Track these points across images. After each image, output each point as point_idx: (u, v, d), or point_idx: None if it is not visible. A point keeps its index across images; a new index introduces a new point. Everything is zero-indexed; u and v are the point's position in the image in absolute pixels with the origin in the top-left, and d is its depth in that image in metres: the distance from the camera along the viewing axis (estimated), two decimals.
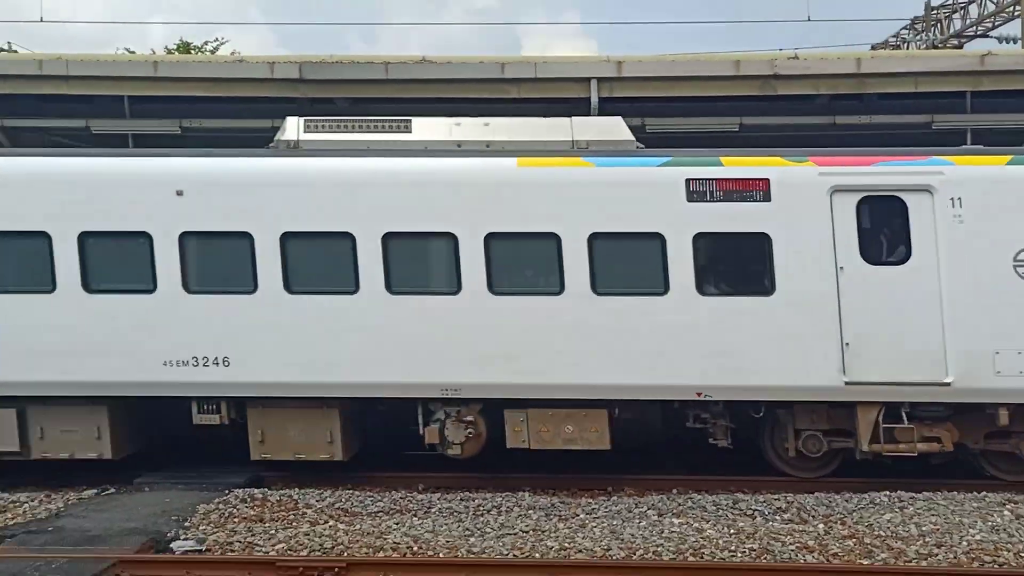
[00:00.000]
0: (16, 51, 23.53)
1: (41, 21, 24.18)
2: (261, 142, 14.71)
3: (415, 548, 8.90)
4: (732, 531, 9.17)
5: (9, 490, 11.05)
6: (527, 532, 9.36)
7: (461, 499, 10.50)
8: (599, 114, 14.41)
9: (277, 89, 15.06)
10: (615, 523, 9.56)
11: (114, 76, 15.10)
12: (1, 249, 11.07)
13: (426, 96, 14.94)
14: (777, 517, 9.69)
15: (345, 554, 8.72)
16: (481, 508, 10.16)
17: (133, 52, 27.03)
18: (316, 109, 15.26)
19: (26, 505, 10.34)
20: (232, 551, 8.86)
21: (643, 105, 14.92)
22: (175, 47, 30.33)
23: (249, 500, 10.35)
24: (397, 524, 9.58)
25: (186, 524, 9.54)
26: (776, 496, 10.39)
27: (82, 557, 8.44)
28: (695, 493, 10.70)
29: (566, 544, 8.92)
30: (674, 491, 10.87)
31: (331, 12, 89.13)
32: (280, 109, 15.26)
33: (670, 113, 15.01)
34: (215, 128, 15.30)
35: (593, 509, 10.08)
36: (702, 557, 8.54)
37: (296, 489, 10.91)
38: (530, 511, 10.04)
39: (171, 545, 9.04)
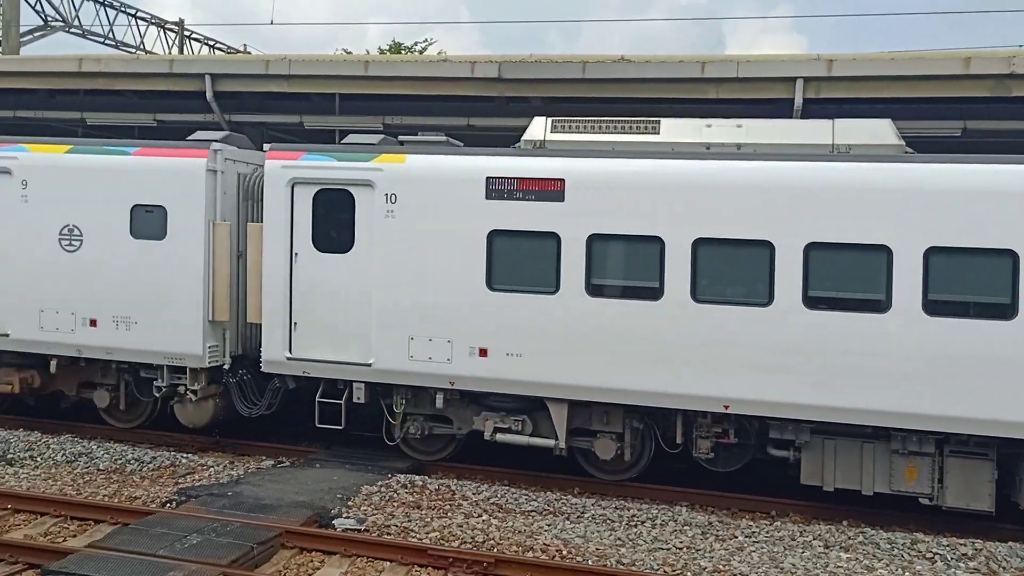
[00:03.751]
0: (249, 52, 25.52)
1: (271, 24, 25.97)
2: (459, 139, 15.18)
3: (564, 552, 8.78)
4: (907, 574, 8.33)
5: (199, 454, 12.01)
6: (681, 549, 8.99)
7: (616, 507, 10.24)
8: (802, 116, 13.58)
9: (476, 88, 15.32)
10: (776, 550, 8.97)
11: (329, 75, 15.93)
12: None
13: (623, 96, 14.70)
14: (961, 565, 8.71)
15: (495, 550, 8.74)
16: (635, 519, 9.86)
17: (349, 52, 28.58)
18: (511, 109, 15.48)
19: (212, 469, 11.17)
20: (388, 534, 9.14)
21: (853, 107, 13.91)
22: (387, 48, 31.84)
23: (409, 486, 10.62)
24: (549, 525, 9.49)
25: (349, 503, 9.92)
26: (962, 541, 9.37)
27: (254, 524, 8.99)
28: (868, 528, 9.86)
29: (720, 566, 8.48)
30: (844, 523, 10.09)
31: (535, 10, 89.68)
32: (476, 108, 15.68)
33: (881, 116, 13.90)
34: (415, 125, 15.84)
35: (753, 532, 9.52)
36: None
37: (454, 480, 11.08)
38: (686, 527, 9.63)
39: (333, 521, 9.44)
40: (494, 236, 10.96)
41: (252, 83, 16.21)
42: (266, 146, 12.07)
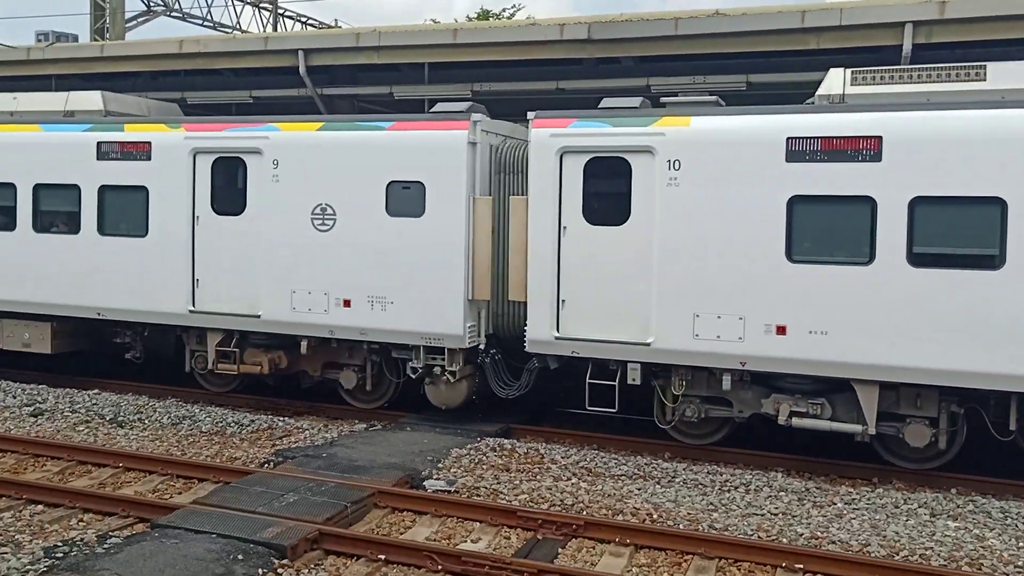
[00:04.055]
0: (340, 27, 25.83)
1: None
2: (545, 104, 14.96)
3: (655, 516, 8.66)
4: (1023, 544, 7.88)
5: (295, 417, 12.31)
6: (776, 515, 8.75)
7: (708, 472, 10.03)
8: (910, 63, 12.84)
9: (565, 50, 15.11)
10: (877, 517, 8.63)
11: (418, 45, 15.97)
12: None
13: (718, 51, 14.25)
14: None
15: (584, 513, 8.68)
16: (728, 484, 9.64)
17: (437, 22, 28.59)
18: (601, 71, 15.22)
19: (307, 432, 11.44)
20: (478, 496, 9.18)
21: (967, 51, 13.01)
22: (475, 16, 31.69)
23: (498, 449, 10.64)
24: (639, 489, 9.36)
25: (439, 465, 10.01)
26: None
27: (348, 484, 9.17)
28: (979, 496, 9.39)
29: (818, 533, 8.21)
30: (953, 491, 9.63)
31: None
32: (564, 71, 15.47)
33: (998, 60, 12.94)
34: (504, 91, 15.76)
35: (853, 499, 9.18)
36: (980, 568, 7.46)
37: (543, 443, 11.05)
38: (781, 493, 9.36)
39: (424, 483, 9.54)
40: (795, 202, 10.03)
41: (343, 56, 16.40)
42: (530, 114, 11.38)
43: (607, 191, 10.93)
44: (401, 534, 8.34)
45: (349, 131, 12.04)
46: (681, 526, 8.40)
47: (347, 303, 11.92)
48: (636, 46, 14.72)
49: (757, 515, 8.71)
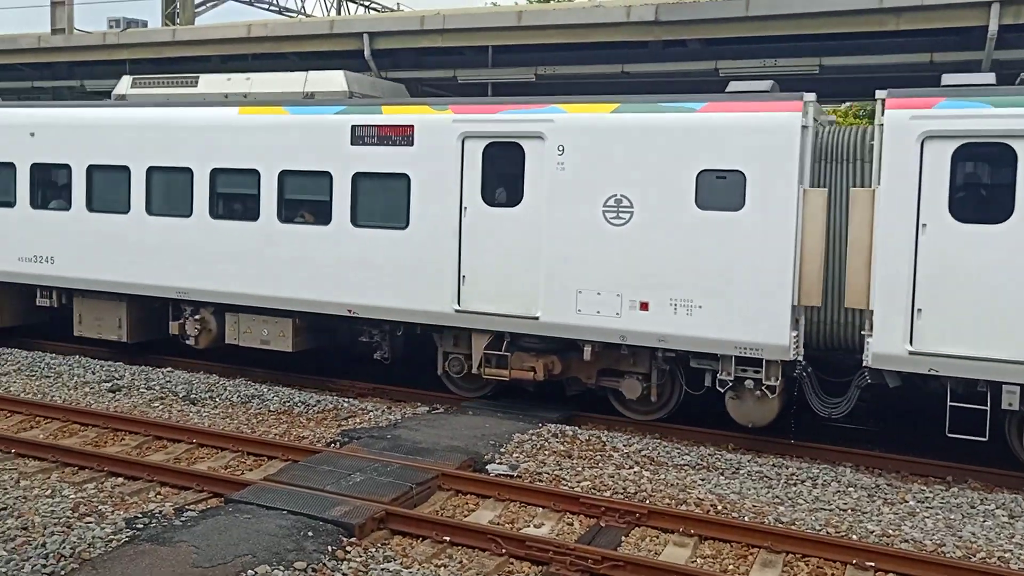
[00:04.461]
0: (403, 10, 25.94)
1: None
2: (607, 88, 14.83)
3: (719, 507, 8.62)
4: None
5: (359, 399, 12.50)
6: (845, 510, 8.64)
7: (773, 465, 9.94)
8: (996, 46, 12.43)
9: (631, 33, 14.92)
10: (952, 517, 8.46)
11: (482, 27, 15.96)
12: None
13: (790, 33, 13.96)
14: None
15: (648, 502, 8.68)
16: (795, 477, 9.53)
17: (497, 5, 28.49)
18: (668, 54, 15.04)
19: (371, 413, 11.61)
20: (540, 481, 9.23)
21: None
22: None
23: (560, 435, 10.68)
24: (703, 480, 9.33)
25: (502, 449, 10.09)
26: None
27: (412, 465, 9.30)
28: None
29: (890, 531, 8.10)
30: None
31: None
32: (630, 54, 15.32)
33: None
34: (568, 74, 15.68)
35: (926, 497, 9.01)
36: None
37: (605, 431, 11.05)
38: (850, 488, 9.23)
39: (487, 467, 9.62)
40: None
41: (407, 39, 16.45)
42: (879, 93, 10.11)
43: (982, 183, 9.88)
44: (465, 516, 8.44)
45: (651, 113, 10.81)
46: (746, 518, 8.34)
47: (644, 306, 10.80)
48: (704, 28, 14.45)
49: (825, 510, 8.61)
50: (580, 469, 9.51)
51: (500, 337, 11.67)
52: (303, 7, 27.85)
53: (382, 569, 6.97)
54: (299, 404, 11.94)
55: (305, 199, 12.73)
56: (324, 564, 7.00)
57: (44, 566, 6.68)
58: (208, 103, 13.54)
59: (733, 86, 11.05)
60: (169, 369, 13.64)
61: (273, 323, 13.01)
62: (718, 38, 14.39)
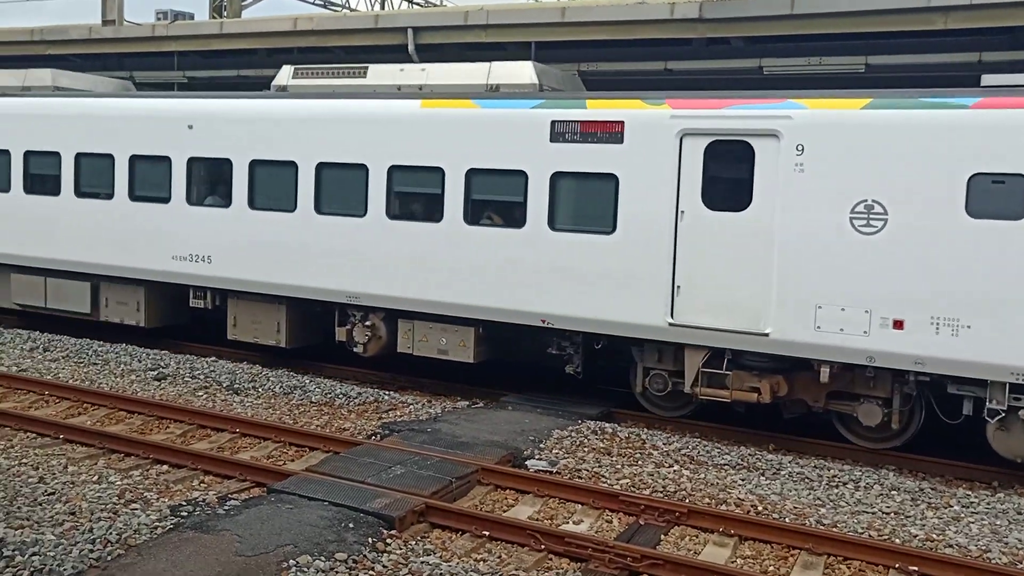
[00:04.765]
0: (446, 5, 26.00)
1: None
2: (656, 85, 14.73)
3: (759, 508, 8.57)
4: None
5: (400, 392, 12.57)
6: (888, 514, 8.54)
7: (815, 466, 9.85)
8: None
9: (675, 30, 14.86)
10: (998, 523, 8.33)
11: (525, 23, 15.98)
12: None
13: (834, 32, 13.81)
14: None
15: (687, 501, 8.65)
16: (836, 479, 9.44)
17: (540, 0, 28.43)
18: (711, 51, 14.93)
19: (411, 407, 11.69)
20: (579, 478, 9.23)
21: None
22: None
23: (599, 432, 10.67)
24: (743, 480, 9.27)
25: (541, 445, 10.10)
26: None
27: (452, 459, 9.35)
28: None
29: (934, 535, 7.99)
30: None
31: None
32: (673, 51, 15.23)
33: None
34: (611, 71, 15.62)
35: (971, 502, 8.87)
36: None
37: (644, 429, 11.02)
38: (893, 491, 9.12)
39: (526, 462, 9.65)
40: None
41: (451, 34, 16.50)
42: None
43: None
44: (504, 512, 8.47)
45: (913, 109, 9.77)
46: (787, 520, 8.28)
47: (898, 324, 9.76)
48: (748, 26, 14.36)
49: (867, 513, 8.52)
50: (619, 466, 9.49)
51: (717, 354, 10.70)
52: (347, 1, 28.02)
53: (422, 562, 7.02)
54: (340, 396, 12.05)
55: (495, 199, 11.86)
56: (364, 556, 7.06)
57: (91, 551, 6.81)
58: (380, 95, 12.70)
59: (988, 80, 10.10)
60: (213, 359, 13.83)
61: (453, 332, 12.17)
62: (762, 36, 14.28)
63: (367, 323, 12.83)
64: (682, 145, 10.71)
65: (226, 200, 13.55)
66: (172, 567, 6.54)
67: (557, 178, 11.35)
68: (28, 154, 15.13)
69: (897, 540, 7.90)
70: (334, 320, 13.15)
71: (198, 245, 13.72)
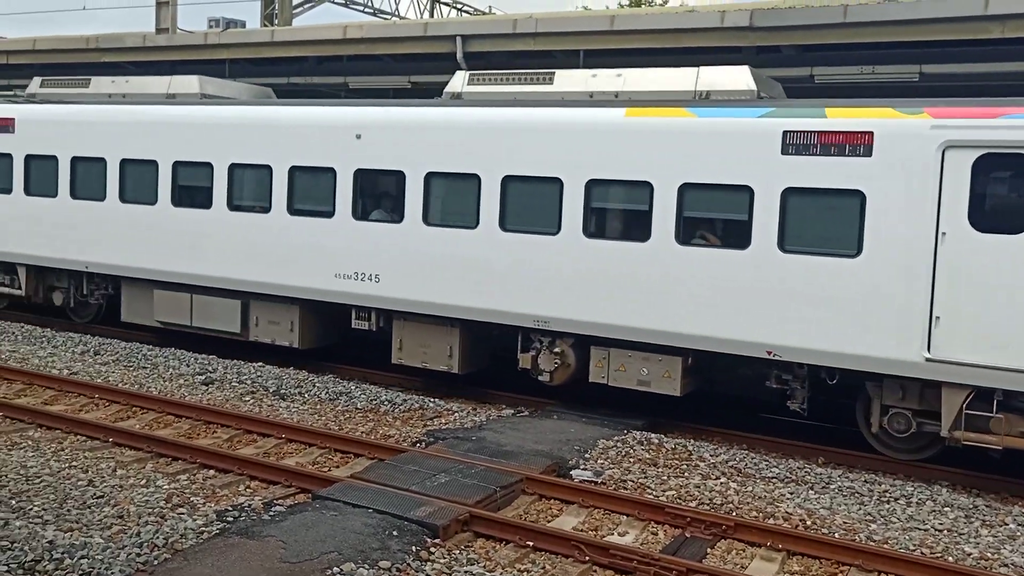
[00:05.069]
0: (494, 13, 26.07)
1: None
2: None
3: (808, 522, 8.41)
4: None
5: (444, 399, 12.58)
6: (941, 531, 8.33)
7: (865, 480, 9.64)
8: None
9: (724, 38, 14.76)
10: None
11: (574, 31, 15.95)
12: None
13: (888, 40, 13.59)
14: None
15: (734, 514, 8.52)
16: (887, 495, 9.23)
17: (589, 9, 28.42)
18: (760, 60, 14.76)
19: (456, 414, 11.67)
20: (625, 489, 9.15)
21: None
22: (627, 3, 31.30)
23: (645, 443, 10.55)
24: (791, 494, 9.10)
25: (586, 455, 10.02)
26: None
27: (496, 468, 9.32)
28: None
29: (988, 554, 7.79)
30: None
31: None
32: (721, 59, 15.06)
33: None
34: None
35: None
36: None
37: (691, 440, 10.88)
38: (946, 508, 8.89)
39: (571, 472, 9.58)
40: None
41: (500, 43, 16.55)
42: None
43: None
44: (548, 522, 8.41)
45: None
46: (836, 535, 8.12)
47: None
48: (800, 34, 14.21)
49: (920, 530, 8.31)
50: (665, 478, 9.38)
51: (983, 394, 9.50)
52: (396, 10, 28.29)
53: (465, 572, 7.00)
54: (386, 403, 12.09)
55: (713, 217, 10.89)
56: (408, 564, 7.06)
57: (138, 555, 6.89)
58: (571, 102, 11.78)
59: None
60: (260, 364, 13.97)
61: (656, 361, 11.11)
62: (814, 44, 14.10)
63: (555, 349, 11.81)
64: (944, 159, 9.61)
65: (397, 215, 12.61)
66: (218, 572, 6.60)
67: (789, 194, 10.28)
68: (177, 165, 14.45)
69: (950, 558, 7.71)
70: (516, 345, 12.16)
71: (365, 262, 12.80)
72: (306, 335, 13.75)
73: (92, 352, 14.40)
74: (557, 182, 11.51)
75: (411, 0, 28.63)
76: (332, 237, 13.05)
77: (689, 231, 10.86)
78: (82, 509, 7.89)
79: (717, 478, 9.50)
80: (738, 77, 11.26)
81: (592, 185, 11.33)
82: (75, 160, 15.50)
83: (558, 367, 11.83)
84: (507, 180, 11.83)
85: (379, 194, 13.09)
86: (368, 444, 10.13)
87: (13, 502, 7.93)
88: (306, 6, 26.52)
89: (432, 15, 29.19)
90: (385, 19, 26.74)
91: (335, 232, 13.03)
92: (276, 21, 24.52)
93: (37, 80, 16.97)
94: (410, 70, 17.80)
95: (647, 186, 10.98)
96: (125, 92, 15.71)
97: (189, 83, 15.33)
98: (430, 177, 12.38)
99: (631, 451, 10.24)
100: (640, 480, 9.31)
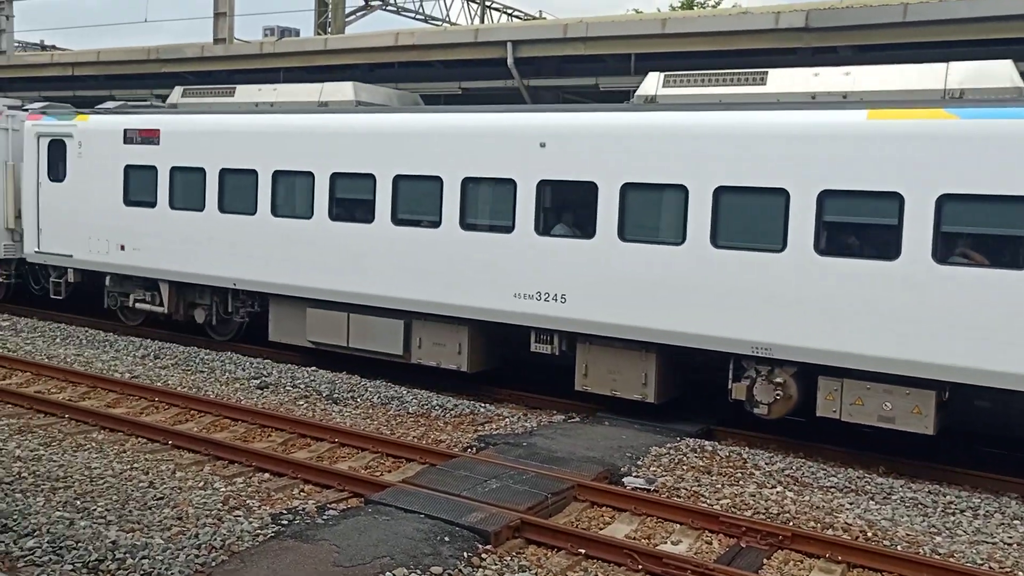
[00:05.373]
0: (545, 18, 26.04)
1: None
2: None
3: (869, 534, 8.20)
4: None
5: (495, 404, 12.55)
6: (1010, 544, 8.06)
7: (928, 491, 9.36)
8: None
9: (779, 40, 14.53)
10: None
11: (625, 35, 15.83)
12: None
13: (949, 39, 13.24)
14: None
15: (791, 524, 8.34)
16: (952, 506, 8.95)
17: (640, 12, 28.25)
18: (816, 61, 14.49)
19: (507, 420, 11.65)
20: (678, 497, 9.02)
21: None
22: (679, 6, 31.04)
23: (699, 450, 10.41)
24: (851, 504, 8.89)
25: (638, 462, 9.91)
26: None
27: (548, 475, 9.26)
28: None
29: None
30: None
31: None
32: (775, 61, 14.82)
33: None
34: None
35: None
36: None
37: (746, 448, 10.69)
38: (1016, 521, 8.59)
39: (623, 480, 9.48)
40: None
41: (550, 47, 16.53)
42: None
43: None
44: (600, 529, 8.32)
45: None
46: (899, 547, 7.89)
47: None
48: (858, 34, 13.93)
49: (988, 543, 8.04)
50: (720, 486, 9.23)
51: None
52: (447, 16, 28.44)
53: None
54: (437, 408, 12.11)
55: (978, 233, 9.66)
56: (460, 570, 7.04)
57: (196, 556, 6.99)
58: (788, 104, 10.75)
59: None
60: (313, 368, 14.11)
61: (903, 395, 9.89)
62: (871, 44, 13.81)
63: (777, 380, 10.75)
64: None
65: (589, 230, 11.61)
66: (273, 575, 6.64)
67: None
68: (335, 176, 13.65)
69: (1021, 573, 7.44)
70: (728, 374, 11.14)
71: (549, 281, 11.85)
72: (475, 358, 12.94)
73: (152, 356, 14.68)
74: (782, 193, 10.40)
75: (462, 6, 28.77)
76: (511, 254, 12.13)
77: (948, 249, 9.71)
78: (143, 510, 8.03)
79: (773, 487, 9.32)
80: (1000, 71, 9.96)
81: (826, 196, 10.20)
82: (224, 172, 14.89)
83: (779, 399, 10.75)
84: (720, 191, 10.75)
85: (565, 207, 12.11)
86: (420, 449, 10.15)
87: (78, 502, 8.11)
88: (359, 14, 26.79)
89: (482, 20, 29.27)
90: (436, 26, 26.89)
91: (514, 248, 12.10)
92: (329, 29, 24.80)
93: (179, 89, 16.59)
94: (461, 76, 17.86)
95: (897, 197, 9.81)
96: (273, 101, 15.18)
97: (343, 90, 14.62)
98: (626, 189, 11.34)
99: (684, 458, 10.11)
100: (694, 488, 9.17)
